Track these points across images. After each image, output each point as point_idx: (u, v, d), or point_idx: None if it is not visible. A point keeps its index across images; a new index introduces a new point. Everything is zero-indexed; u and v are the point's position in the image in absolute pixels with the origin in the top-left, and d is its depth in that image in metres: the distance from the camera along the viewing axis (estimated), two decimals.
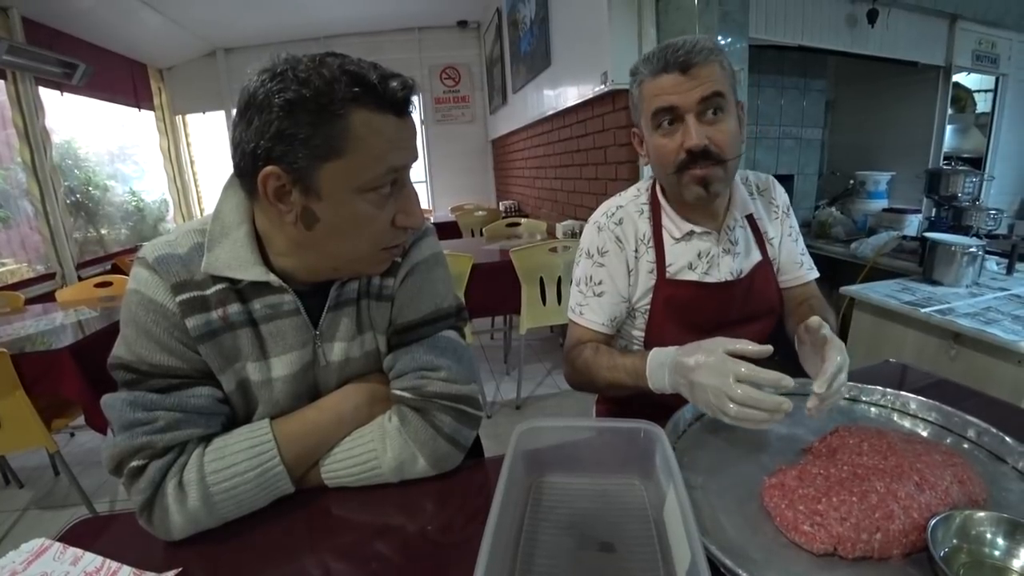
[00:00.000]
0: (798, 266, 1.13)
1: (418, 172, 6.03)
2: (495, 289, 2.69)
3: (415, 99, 0.67)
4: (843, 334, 2.11)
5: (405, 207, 0.70)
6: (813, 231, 3.11)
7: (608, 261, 1.03)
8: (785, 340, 0.99)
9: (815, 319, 0.82)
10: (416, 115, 0.70)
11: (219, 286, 0.70)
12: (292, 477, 0.72)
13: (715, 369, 0.73)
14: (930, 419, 0.82)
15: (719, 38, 2.11)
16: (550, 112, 3.48)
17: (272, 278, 0.71)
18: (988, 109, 3.48)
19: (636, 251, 1.03)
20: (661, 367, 0.84)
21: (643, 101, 0.95)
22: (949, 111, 3.31)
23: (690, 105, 0.89)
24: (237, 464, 0.69)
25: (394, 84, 0.63)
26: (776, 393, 0.70)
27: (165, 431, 0.67)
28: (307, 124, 0.61)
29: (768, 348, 0.75)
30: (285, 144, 0.61)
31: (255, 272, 0.70)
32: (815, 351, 0.82)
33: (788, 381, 0.70)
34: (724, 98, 0.90)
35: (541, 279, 2.69)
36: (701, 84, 0.89)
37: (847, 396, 0.90)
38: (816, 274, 1.15)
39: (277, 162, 0.62)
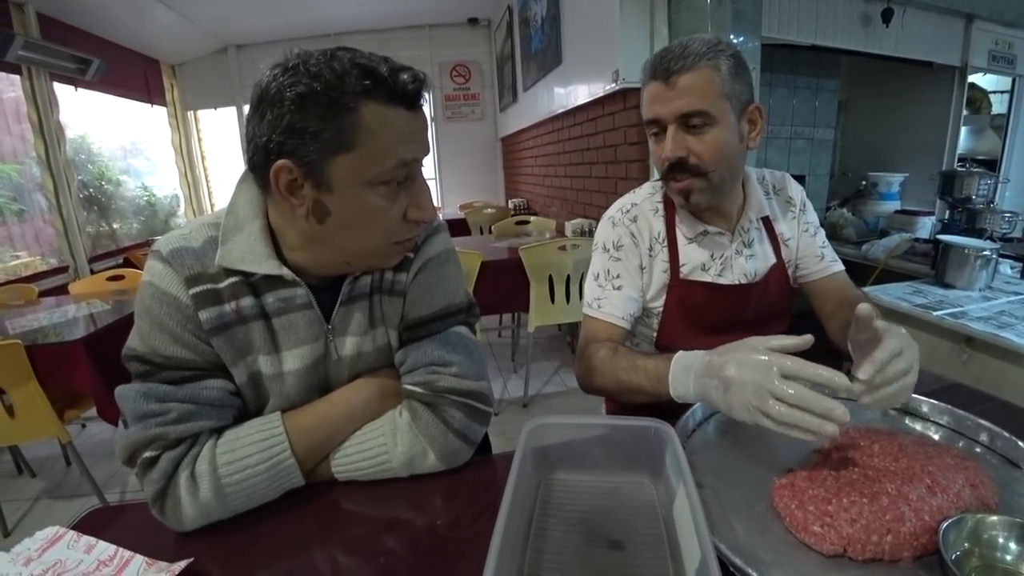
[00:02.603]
0: (819, 259, 1.10)
1: (427, 169, 6.02)
2: (504, 287, 2.70)
3: (426, 93, 0.67)
4: None
5: (417, 201, 0.71)
6: (824, 232, 3.08)
7: (624, 255, 1.02)
8: None
9: (864, 306, 0.67)
10: (427, 110, 0.70)
11: (232, 279, 0.71)
12: (303, 470, 0.73)
13: (756, 364, 0.64)
14: (942, 422, 0.82)
15: (731, 36, 2.09)
16: (560, 110, 3.47)
17: (285, 272, 0.71)
18: (1004, 110, 3.44)
19: (651, 249, 1.03)
20: (686, 371, 0.75)
21: (642, 107, 0.96)
22: (964, 112, 3.27)
23: (670, 117, 0.90)
24: (248, 456, 0.69)
25: (404, 77, 0.63)
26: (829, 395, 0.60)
27: (178, 422, 0.68)
28: (318, 117, 0.61)
29: (809, 338, 0.66)
30: (296, 138, 0.62)
31: (268, 266, 0.71)
32: (863, 344, 0.69)
33: (843, 379, 0.60)
34: (707, 114, 0.88)
35: (550, 277, 2.68)
36: (682, 97, 0.88)
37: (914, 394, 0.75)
38: (841, 266, 1.11)
39: (289, 156, 0.63)
